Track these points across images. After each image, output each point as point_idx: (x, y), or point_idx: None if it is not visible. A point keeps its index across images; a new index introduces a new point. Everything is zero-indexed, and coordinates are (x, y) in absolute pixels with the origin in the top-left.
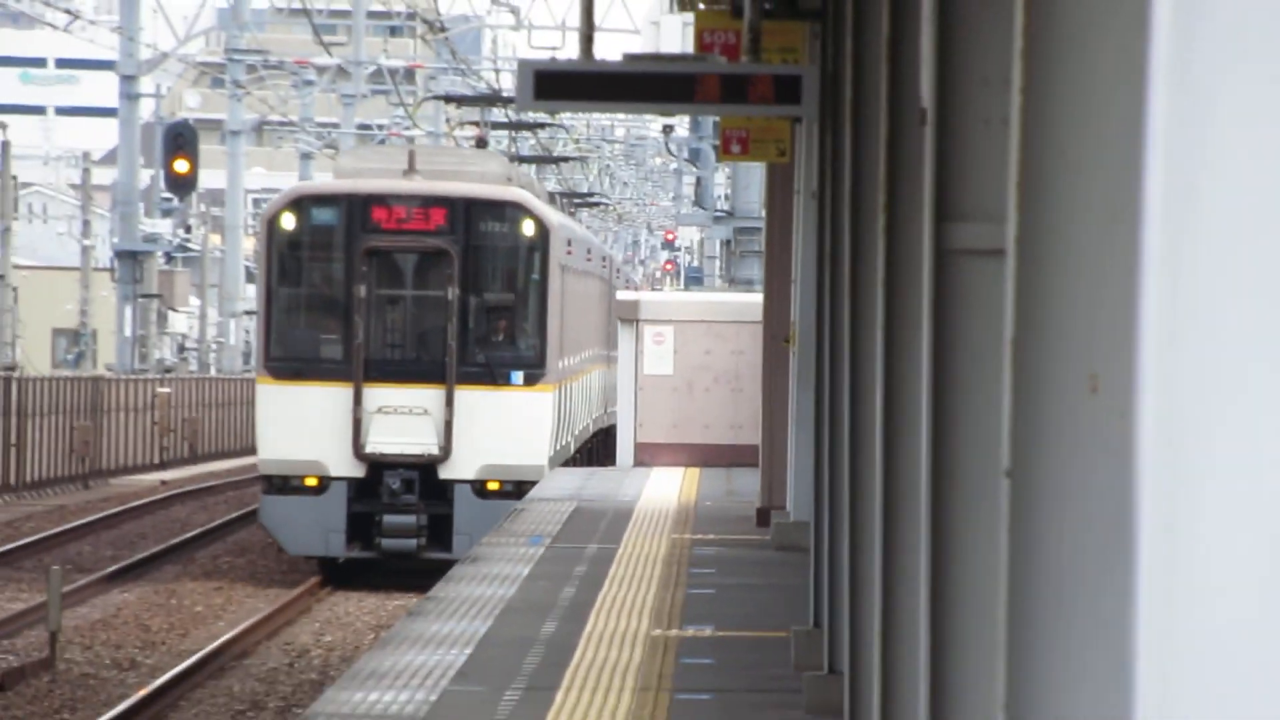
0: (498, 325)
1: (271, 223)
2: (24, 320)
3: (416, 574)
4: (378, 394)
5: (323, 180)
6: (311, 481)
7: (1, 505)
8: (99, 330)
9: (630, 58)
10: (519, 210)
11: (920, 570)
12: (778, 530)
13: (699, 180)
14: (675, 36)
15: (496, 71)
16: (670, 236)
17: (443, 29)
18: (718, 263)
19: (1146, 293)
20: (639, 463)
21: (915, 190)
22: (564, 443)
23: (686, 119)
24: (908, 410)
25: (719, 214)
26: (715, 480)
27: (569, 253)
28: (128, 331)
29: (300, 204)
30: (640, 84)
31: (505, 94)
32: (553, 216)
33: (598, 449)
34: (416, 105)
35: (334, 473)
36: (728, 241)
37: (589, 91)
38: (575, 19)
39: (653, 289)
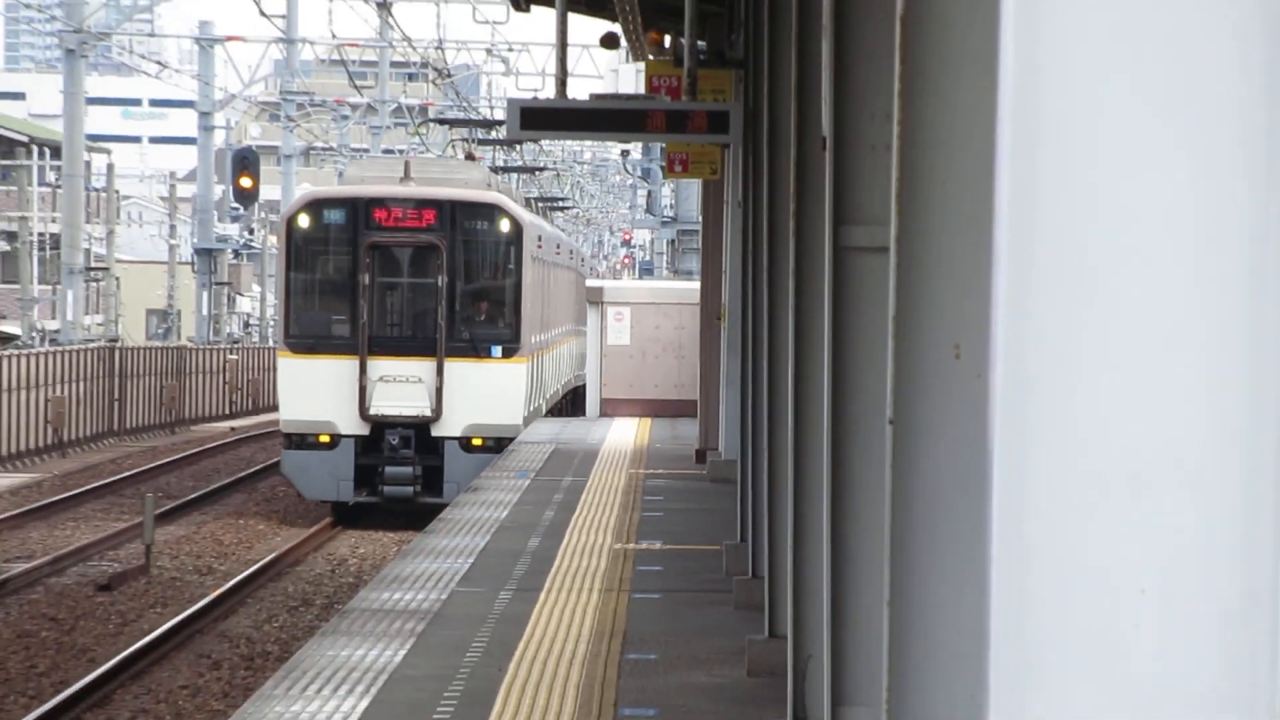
0: (479, 307)
1: (289, 222)
2: (124, 303)
3: (413, 515)
4: (379, 365)
5: (332, 187)
6: (324, 438)
7: (108, 447)
8: (182, 311)
9: (595, 97)
10: (497, 211)
11: (823, 495)
12: (711, 466)
13: (649, 193)
14: (630, 81)
15: (490, 108)
16: (627, 236)
17: (449, 75)
18: (664, 257)
19: (997, 280)
20: (603, 414)
21: (818, 200)
22: (537, 405)
23: (640, 145)
24: (813, 372)
25: (665, 219)
26: (663, 428)
27: (539, 246)
28: (204, 311)
29: (313, 206)
30: (603, 118)
31: (492, 119)
32: (526, 216)
33: (570, 404)
34: (416, 127)
35: (343, 431)
36: (672, 240)
37: (563, 123)
38: (553, 68)
39: (614, 278)
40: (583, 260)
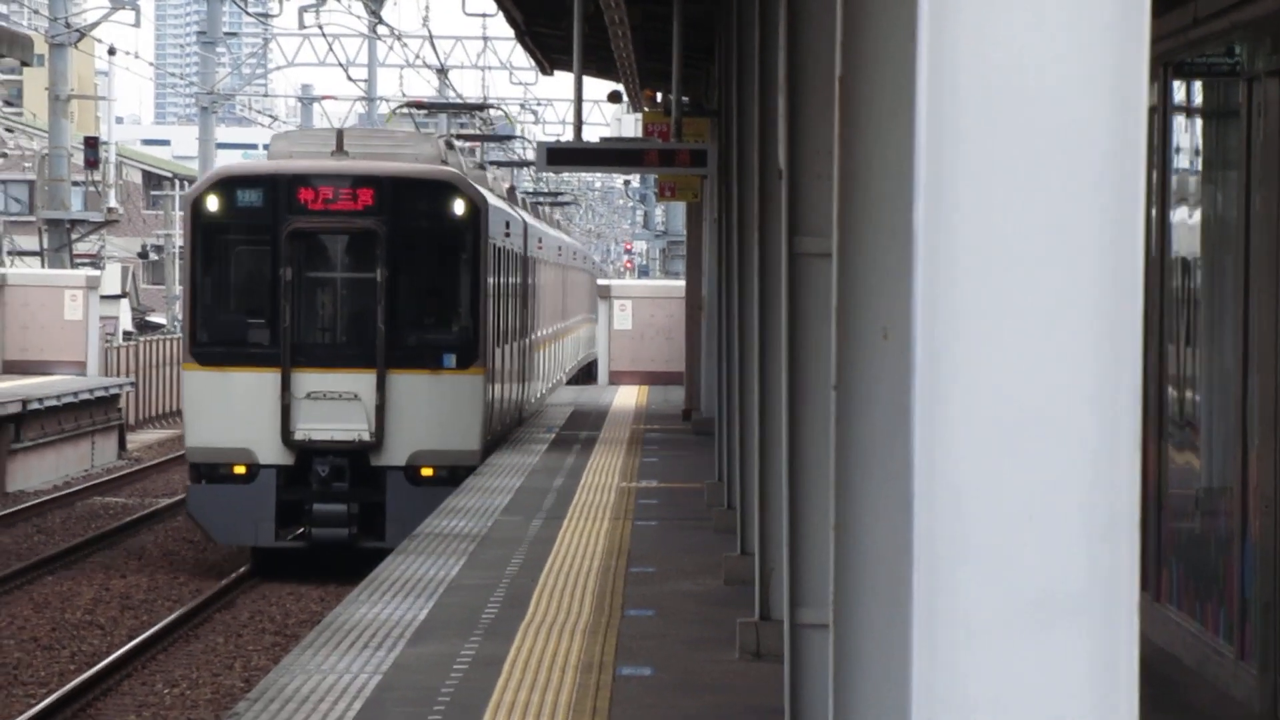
0: (428, 307)
1: (195, 205)
2: None
3: (350, 562)
4: (306, 379)
5: (248, 161)
6: (240, 469)
7: None
8: None
9: (604, 140)
10: (449, 190)
11: (782, 444)
12: (695, 422)
13: (646, 213)
14: (631, 128)
15: (523, 148)
16: (628, 246)
17: (490, 123)
18: (657, 262)
19: (915, 278)
20: (611, 382)
21: (776, 217)
22: (503, 424)
23: (638, 176)
24: (773, 349)
25: (658, 233)
26: (657, 393)
27: (508, 235)
28: None
29: (224, 185)
30: (610, 155)
31: (472, 102)
32: (487, 198)
33: (584, 374)
34: (391, 114)
35: (262, 460)
36: (663, 249)
37: (580, 160)
38: (572, 117)
39: (619, 278)
40: (595, 264)
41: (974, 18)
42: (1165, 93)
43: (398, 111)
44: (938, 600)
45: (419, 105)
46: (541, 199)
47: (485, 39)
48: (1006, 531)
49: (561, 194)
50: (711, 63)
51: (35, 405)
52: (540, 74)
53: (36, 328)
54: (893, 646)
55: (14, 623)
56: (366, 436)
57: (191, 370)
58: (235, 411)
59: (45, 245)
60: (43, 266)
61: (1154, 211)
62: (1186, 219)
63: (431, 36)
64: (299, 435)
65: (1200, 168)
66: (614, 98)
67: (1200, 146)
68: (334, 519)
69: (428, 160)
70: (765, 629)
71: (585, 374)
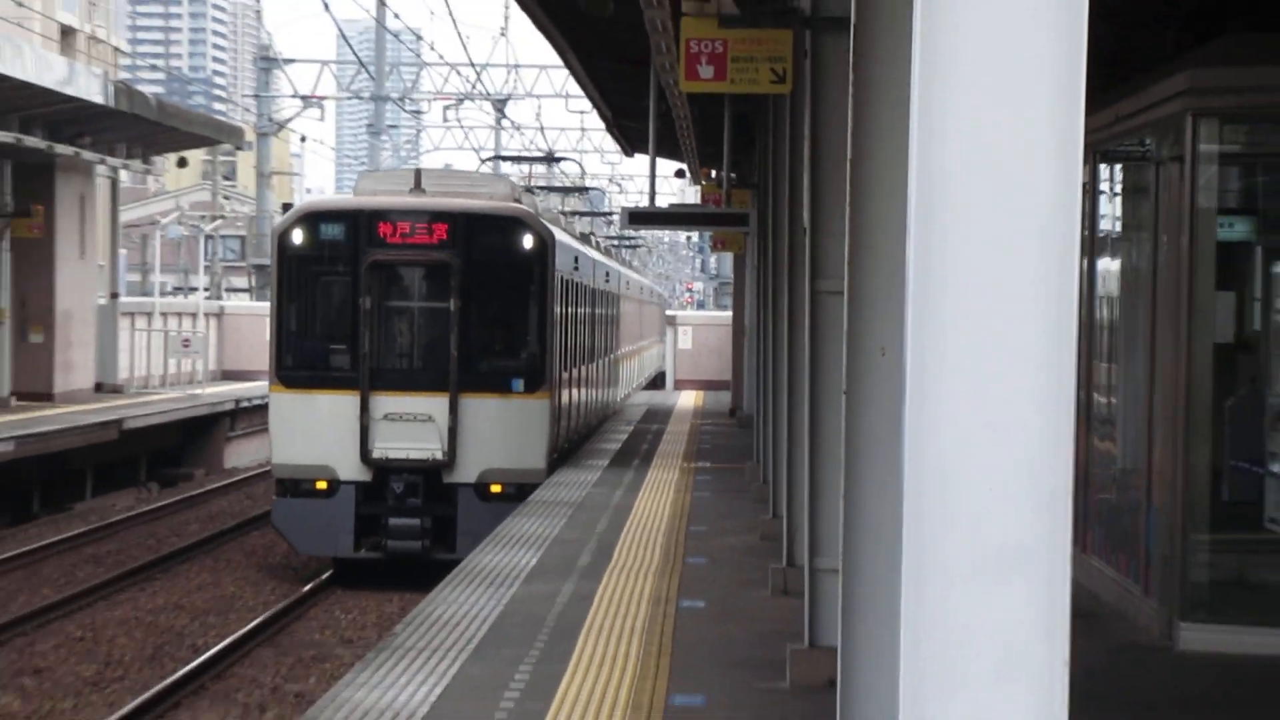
0: (498, 335)
1: (281, 238)
2: None
3: (423, 573)
4: (383, 401)
5: (332, 197)
6: (321, 485)
7: None
8: None
9: (672, 206)
10: (518, 225)
11: (804, 435)
12: (738, 418)
13: (703, 260)
14: (693, 196)
15: (610, 215)
16: (689, 286)
17: (585, 190)
18: (711, 298)
19: (908, 310)
20: (676, 388)
21: (801, 264)
22: (568, 443)
23: (697, 233)
24: (798, 363)
25: (712, 276)
26: (710, 396)
27: (576, 268)
28: None
29: (308, 219)
30: (676, 217)
31: (556, 155)
32: (556, 233)
33: (655, 381)
34: (484, 160)
35: (343, 476)
36: (716, 288)
37: (653, 220)
38: (647, 188)
39: (683, 310)
40: (664, 298)
41: (955, 122)
42: (1095, 172)
43: (485, 161)
44: (923, 553)
45: (504, 158)
46: (622, 245)
47: (583, 129)
48: (976, 502)
49: (639, 241)
50: (753, 148)
51: (245, 403)
52: (624, 155)
53: (246, 345)
54: (887, 588)
55: (229, 564)
56: (439, 455)
57: (278, 392)
58: (317, 431)
59: (253, 284)
60: (251, 300)
61: (1085, 261)
62: (1109, 267)
63: (542, 127)
64: (376, 454)
65: (1120, 229)
66: (679, 174)
67: (1120, 213)
68: (408, 532)
69: (501, 199)
70: (790, 573)
71: (655, 381)
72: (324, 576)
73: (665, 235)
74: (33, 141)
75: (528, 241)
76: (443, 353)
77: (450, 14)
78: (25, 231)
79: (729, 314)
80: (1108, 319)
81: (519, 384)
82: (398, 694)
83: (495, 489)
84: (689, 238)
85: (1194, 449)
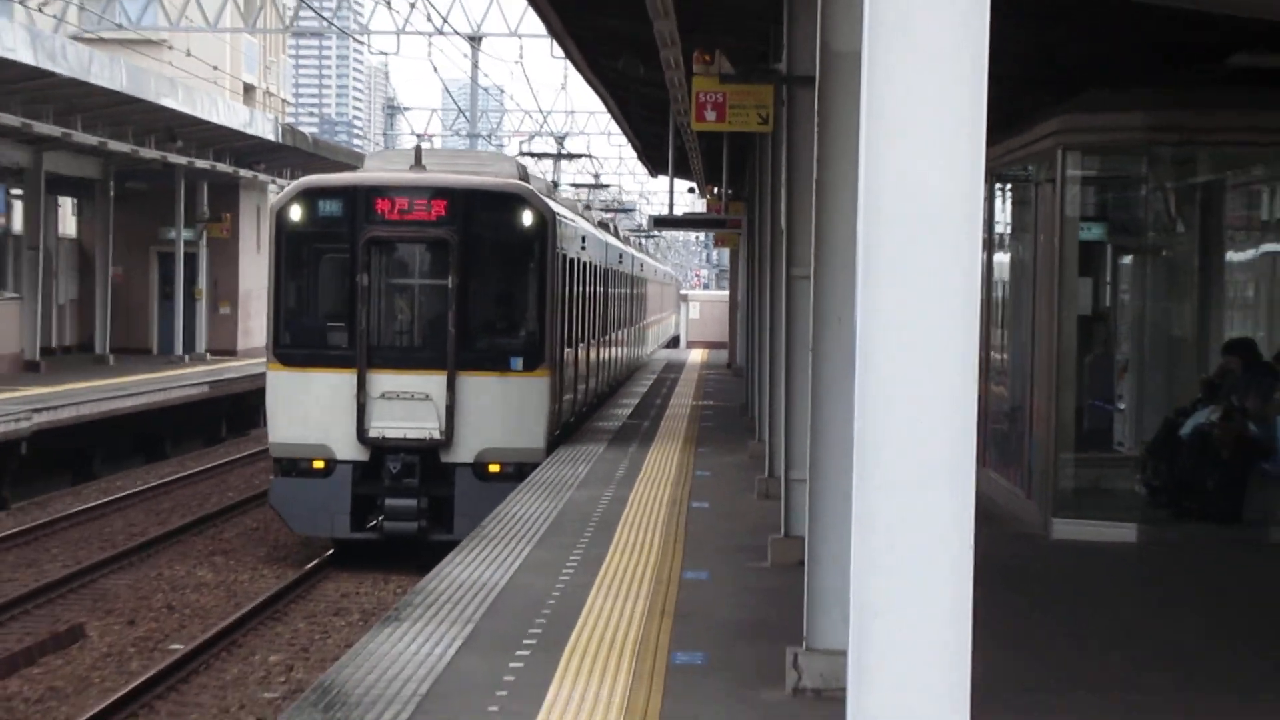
0: (497, 312)
1: (280, 214)
2: None
3: (421, 553)
4: (380, 380)
5: (331, 174)
6: (319, 464)
7: None
8: None
9: (686, 214)
10: (517, 201)
11: (781, 381)
12: (734, 371)
13: (708, 253)
14: (701, 205)
15: (640, 220)
16: (698, 272)
17: (606, 186)
18: (713, 281)
19: (859, 291)
20: (687, 347)
21: (779, 256)
22: (567, 420)
23: (704, 234)
24: (777, 328)
25: (715, 265)
26: (713, 354)
27: (584, 248)
28: None
29: (306, 196)
30: (688, 222)
31: (575, 153)
32: (555, 210)
33: (673, 343)
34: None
35: (339, 456)
36: (717, 274)
37: (672, 224)
38: (667, 199)
39: (692, 290)
40: (679, 281)
41: (890, 153)
42: (992, 190)
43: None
44: (868, 468)
45: (532, 155)
46: (648, 240)
47: (620, 157)
48: (907, 430)
49: (660, 239)
50: (745, 171)
51: None
52: (650, 176)
53: None
54: (843, 492)
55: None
56: (437, 435)
57: (275, 370)
58: (314, 410)
59: None
60: None
61: (985, 255)
62: (1002, 259)
63: (591, 155)
64: (373, 433)
65: (1009, 231)
66: (691, 190)
67: (1009, 219)
68: (404, 513)
69: (504, 177)
70: (771, 482)
71: (672, 342)
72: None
73: (680, 235)
74: (223, 167)
75: (527, 218)
76: (441, 330)
77: (525, 73)
78: (218, 232)
79: (726, 293)
80: (1001, 297)
81: (518, 362)
82: (485, 570)
83: (494, 468)
84: (698, 237)
85: (1063, 393)
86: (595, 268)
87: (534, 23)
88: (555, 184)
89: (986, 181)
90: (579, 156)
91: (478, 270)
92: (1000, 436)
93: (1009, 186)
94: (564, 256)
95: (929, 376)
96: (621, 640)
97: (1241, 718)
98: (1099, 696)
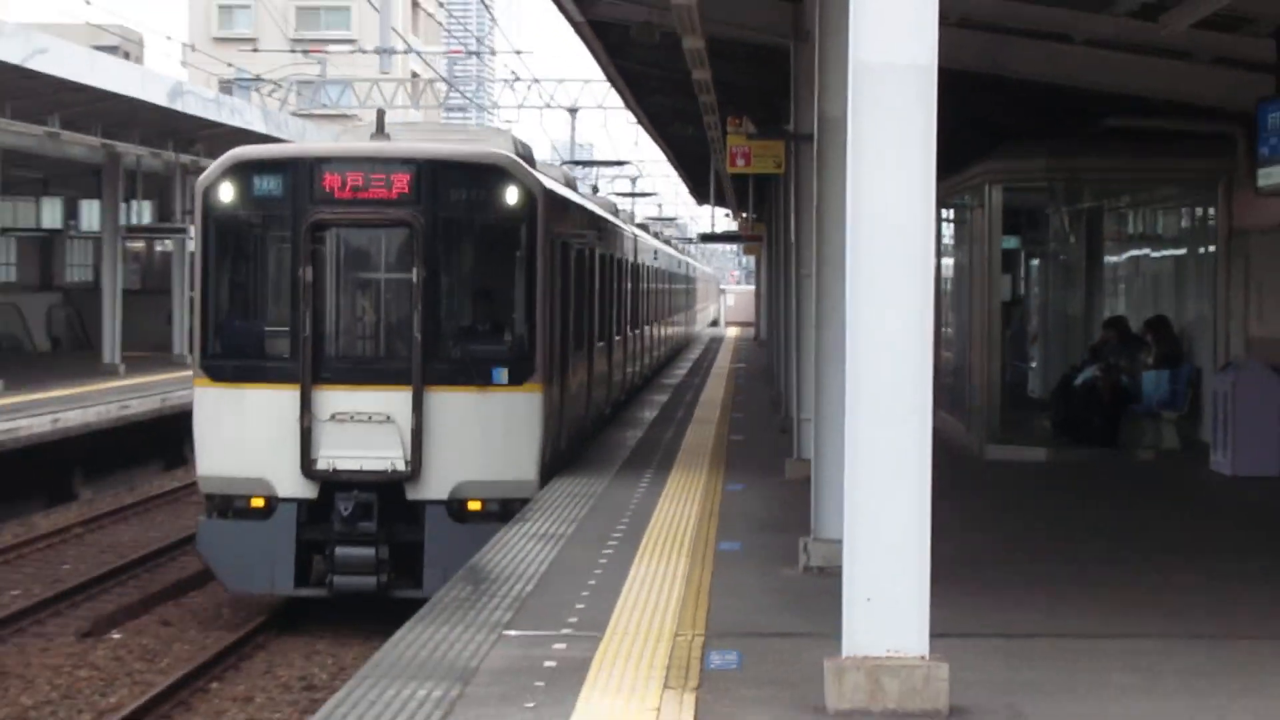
0: (474, 313)
1: (207, 194)
2: None
3: (385, 612)
4: (329, 398)
5: (271, 145)
6: (257, 502)
7: None
8: None
9: (724, 231)
10: (497, 174)
11: (794, 348)
12: (759, 341)
13: (740, 259)
14: (734, 225)
15: (689, 237)
16: (733, 273)
17: (650, 194)
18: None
19: (848, 286)
20: (726, 325)
21: (790, 261)
22: (564, 444)
23: (737, 245)
24: (789, 312)
25: (745, 268)
26: (744, 331)
27: (600, 236)
28: None
29: (238, 171)
30: (725, 237)
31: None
32: (548, 186)
33: (714, 323)
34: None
35: (281, 492)
36: (746, 274)
37: (714, 239)
38: (709, 221)
39: (728, 285)
40: (718, 279)
41: (869, 188)
42: (940, 213)
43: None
44: (856, 408)
45: (575, 163)
46: (692, 244)
47: (676, 192)
48: (885, 382)
49: (706, 249)
50: (765, 200)
51: None
52: (697, 204)
53: None
54: (838, 425)
55: None
56: (401, 466)
57: (202, 386)
58: (250, 435)
59: None
60: None
61: (936, 260)
62: (949, 262)
63: (657, 193)
64: (322, 464)
65: (954, 242)
66: (726, 215)
67: (953, 234)
68: (360, 565)
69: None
70: (787, 421)
71: (714, 322)
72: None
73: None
74: None
75: (511, 195)
76: (404, 336)
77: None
78: None
79: (752, 287)
80: (950, 289)
81: (501, 374)
82: (572, 498)
83: (473, 506)
84: (733, 248)
85: (991, 356)
86: (622, 261)
87: (616, 99)
88: (596, 188)
89: (936, 207)
90: (621, 163)
91: (450, 260)
92: (949, 388)
93: (952, 211)
94: (564, 244)
95: (898, 344)
96: (681, 535)
97: (1109, 562)
98: (1022, 560)
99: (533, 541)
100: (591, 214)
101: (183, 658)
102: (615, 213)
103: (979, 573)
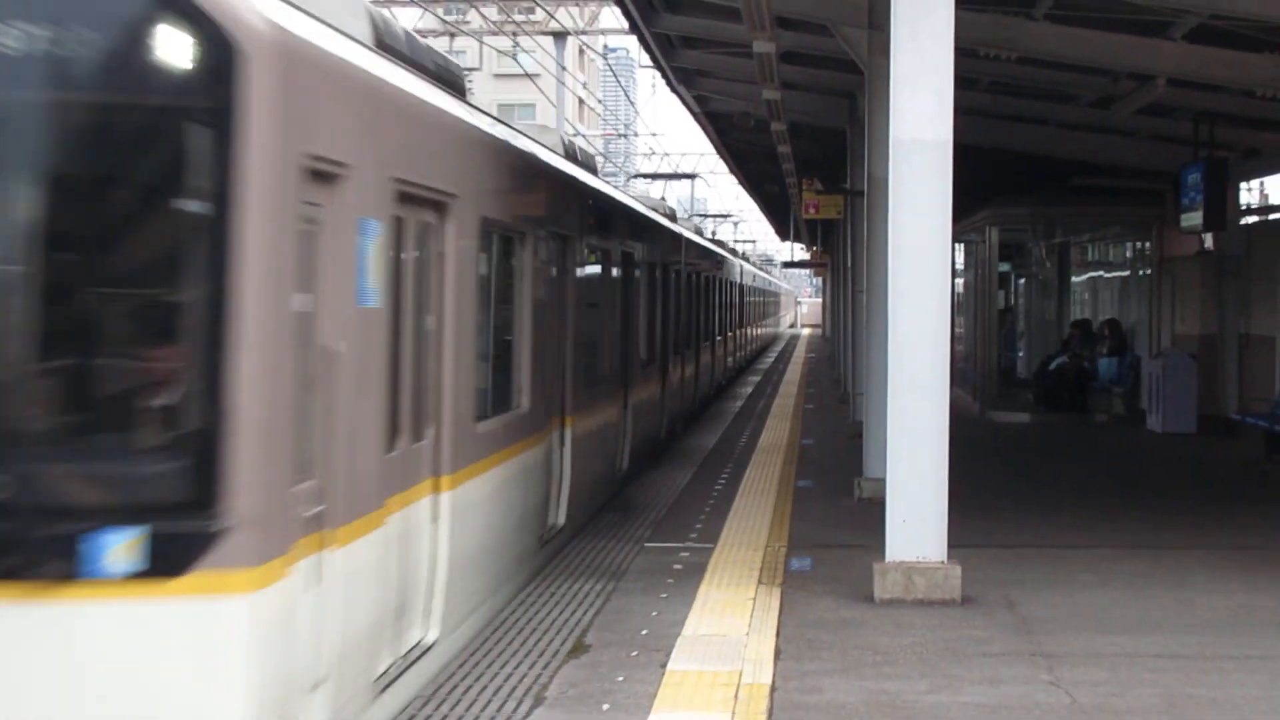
0: (68, 367)
1: None
2: None
3: None
4: None
5: None
6: None
7: None
8: None
9: (800, 260)
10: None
11: (850, 343)
12: (824, 338)
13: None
14: (806, 255)
15: (778, 263)
16: (807, 290)
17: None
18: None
19: (890, 299)
20: (801, 327)
21: (848, 281)
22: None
23: (810, 269)
24: (848, 317)
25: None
26: (814, 330)
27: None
28: None
29: None
30: (800, 264)
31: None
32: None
33: (790, 325)
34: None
35: None
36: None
37: (793, 265)
38: (793, 252)
39: (802, 298)
40: (795, 294)
41: (904, 230)
42: (954, 247)
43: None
44: (897, 384)
45: (643, 176)
46: (775, 266)
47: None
48: (914, 367)
49: (789, 273)
50: (832, 236)
51: None
52: (780, 240)
53: None
54: (882, 398)
55: None
56: None
57: None
58: None
59: None
60: None
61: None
62: (959, 282)
63: (751, 236)
64: None
65: (964, 267)
66: (803, 248)
67: (963, 262)
68: None
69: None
70: (844, 395)
71: (792, 325)
72: None
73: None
74: None
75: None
76: None
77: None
78: None
79: (820, 299)
80: (961, 301)
81: (118, 553)
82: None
83: None
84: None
85: (989, 348)
86: (733, 284)
87: (722, 165)
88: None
89: (951, 242)
90: (689, 176)
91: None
92: (960, 370)
93: (963, 245)
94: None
95: (924, 340)
96: (770, 477)
97: (1077, 494)
98: (1016, 499)
99: (662, 484)
100: (715, 254)
101: None
102: (732, 252)
103: (982, 502)
